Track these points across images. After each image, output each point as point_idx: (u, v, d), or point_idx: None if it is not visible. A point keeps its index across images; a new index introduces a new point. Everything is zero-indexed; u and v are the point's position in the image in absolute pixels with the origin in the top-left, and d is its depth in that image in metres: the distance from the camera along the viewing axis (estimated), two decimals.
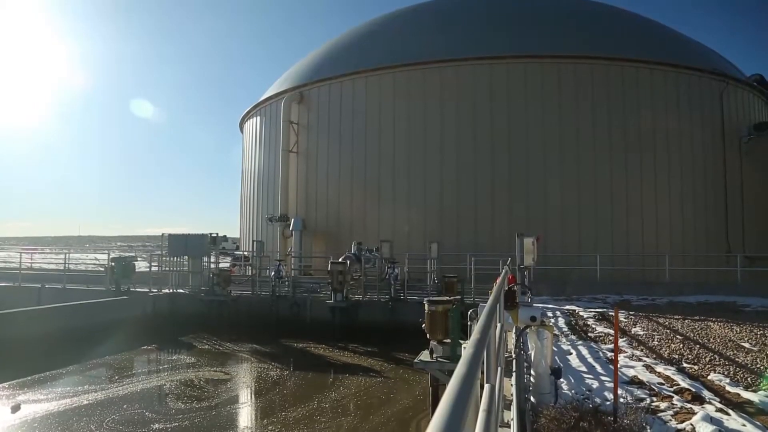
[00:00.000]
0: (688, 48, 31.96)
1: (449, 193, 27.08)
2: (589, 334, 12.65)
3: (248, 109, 38.38)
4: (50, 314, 17.69)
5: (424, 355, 10.26)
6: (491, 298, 4.39)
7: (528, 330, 8.01)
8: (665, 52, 28.57)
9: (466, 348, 2.12)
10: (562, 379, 8.08)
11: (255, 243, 28.25)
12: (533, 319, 7.43)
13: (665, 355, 10.04)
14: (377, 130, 28.78)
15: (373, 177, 28.69)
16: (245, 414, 11.89)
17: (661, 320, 13.86)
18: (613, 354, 10.43)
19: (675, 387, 7.86)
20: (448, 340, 9.96)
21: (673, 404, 7.08)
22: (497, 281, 11.55)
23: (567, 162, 26.07)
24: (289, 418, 10.81)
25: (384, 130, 28.62)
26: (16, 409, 11.42)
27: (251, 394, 13.34)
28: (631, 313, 14.98)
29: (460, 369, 1.69)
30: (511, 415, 5.65)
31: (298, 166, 31.25)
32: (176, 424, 10.59)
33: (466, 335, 9.01)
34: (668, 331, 12.42)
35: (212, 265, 24.00)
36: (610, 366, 9.65)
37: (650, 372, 8.99)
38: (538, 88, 26.67)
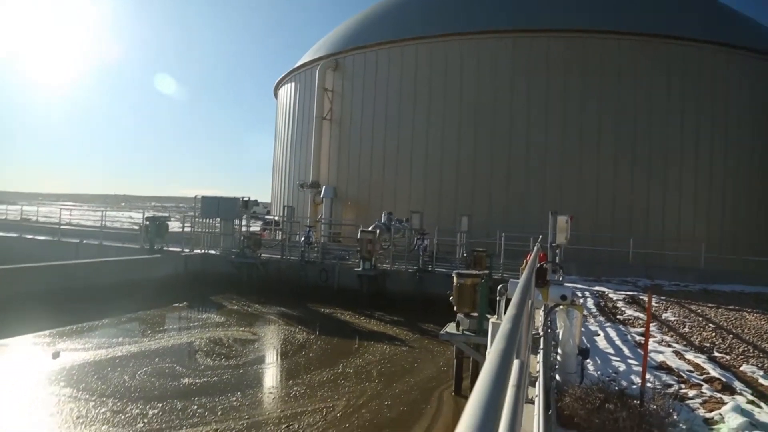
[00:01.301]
0: (736, 25, 30.63)
1: (482, 167, 26.78)
2: (618, 317, 12.51)
3: (283, 75, 38.34)
4: (88, 268, 18.23)
5: (450, 327, 10.29)
6: (525, 273, 4.34)
7: (557, 309, 7.94)
8: (715, 30, 27.44)
9: (503, 323, 2.09)
10: (588, 360, 8.02)
11: (286, 208, 28.48)
12: (564, 298, 7.36)
13: (696, 343, 9.87)
14: (412, 101, 28.50)
15: (406, 147, 28.52)
16: (271, 374, 12.14)
17: (693, 307, 13.62)
18: (641, 338, 10.32)
19: (705, 375, 7.74)
20: (475, 314, 9.96)
21: (702, 393, 6.97)
22: (528, 258, 11.46)
23: (604, 139, 25.47)
24: (314, 381, 11.01)
25: (419, 100, 28.33)
26: (56, 356, 11.88)
27: (277, 355, 13.60)
28: (662, 298, 14.75)
29: (498, 344, 1.66)
30: (536, 391, 5.64)
31: (332, 133, 31.22)
32: (205, 379, 10.88)
33: (493, 310, 8.97)
34: (700, 318, 12.20)
35: (243, 229, 24.33)
36: (638, 350, 9.55)
37: (679, 359, 8.87)
38: (579, 61, 25.96)
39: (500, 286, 7.98)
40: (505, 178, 26.29)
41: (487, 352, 7.80)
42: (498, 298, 7.92)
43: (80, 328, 14.44)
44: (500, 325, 6.07)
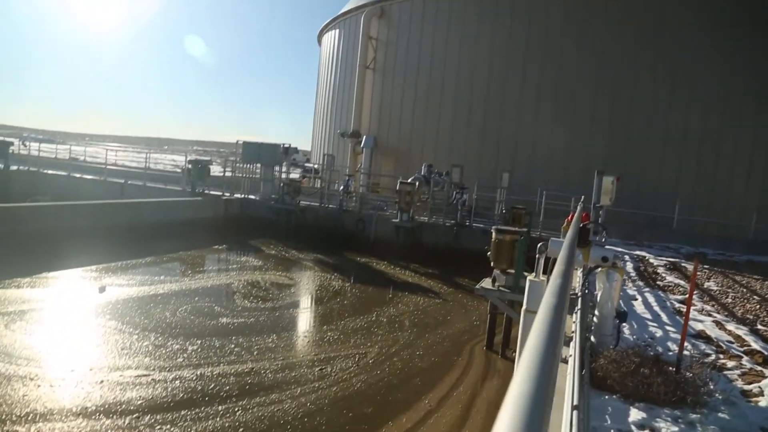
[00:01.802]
0: None
1: (526, 122, 26.16)
2: (658, 283, 12.27)
3: (327, 22, 37.75)
4: (132, 208, 18.73)
5: (486, 283, 10.26)
6: (570, 231, 4.24)
7: (597, 270, 7.81)
8: None
9: (553, 277, 2.03)
10: (624, 324, 7.92)
11: (326, 157, 28.52)
12: (605, 259, 7.22)
13: (738, 314, 9.63)
14: (458, 52, 27.79)
15: (449, 100, 28.00)
16: (306, 319, 12.41)
17: (737, 278, 13.24)
18: (681, 305, 10.12)
19: (745, 347, 7.56)
20: (512, 271, 9.89)
21: (741, 364, 6.82)
22: (571, 218, 11.26)
23: (658, 96, 24.37)
24: (348, 327, 11.20)
25: (465, 52, 27.59)
26: (102, 290, 12.37)
27: (313, 300, 13.86)
28: (705, 266, 14.38)
29: (550, 299, 1.61)
30: (570, 351, 5.60)
31: (374, 83, 30.82)
32: (242, 320, 11.19)
33: (530, 268, 8.89)
34: (745, 290, 11.87)
35: (283, 175, 24.52)
36: (677, 317, 9.38)
37: (720, 329, 8.68)
38: (631, 10, 24.66)
39: (540, 244, 7.87)
40: (549, 136, 25.64)
41: (522, 309, 7.78)
42: (537, 256, 7.82)
43: (125, 265, 14.95)
44: (539, 282, 6.03)
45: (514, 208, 17.84)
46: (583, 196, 13.97)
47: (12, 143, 29.84)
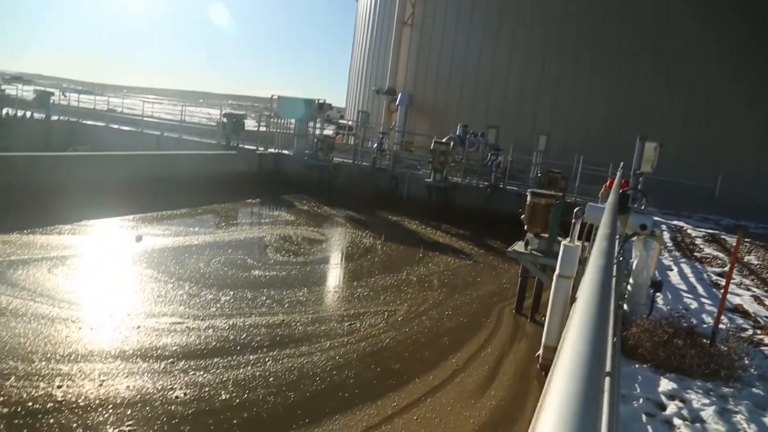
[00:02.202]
0: None
1: (566, 85, 25.46)
2: (695, 254, 12.00)
3: None
4: (168, 160, 18.97)
5: (518, 246, 10.16)
6: (612, 195, 4.12)
7: (634, 238, 7.65)
8: None
9: (598, 240, 1.96)
10: (659, 294, 7.78)
11: (360, 114, 28.31)
12: (643, 227, 7.05)
13: None
14: (498, 10, 26.98)
15: (488, 58, 27.36)
16: (337, 274, 12.52)
17: None
18: (718, 278, 9.89)
19: None
20: (546, 235, 9.75)
21: None
22: (609, 184, 11.00)
23: (702, 70, 23.43)
24: (378, 285, 11.28)
25: (506, 10, 26.78)
26: (139, 239, 12.65)
27: (344, 257, 13.96)
28: (746, 240, 13.97)
29: (598, 261, 1.55)
30: None
31: (411, 39, 30.23)
32: (274, 273, 11.35)
33: (564, 233, 8.76)
34: None
35: (317, 131, 24.47)
36: (713, 290, 9.19)
37: (758, 304, 8.47)
38: None
39: (577, 209, 7.71)
40: (588, 100, 24.93)
41: (555, 274, 7.69)
42: (573, 220, 7.67)
43: (160, 216, 15.23)
44: (573, 248, 5.93)
45: (550, 171, 17.52)
46: (622, 163, 13.61)
47: (53, 93, 30.34)
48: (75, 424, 5.56)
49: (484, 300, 11.15)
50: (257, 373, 7.02)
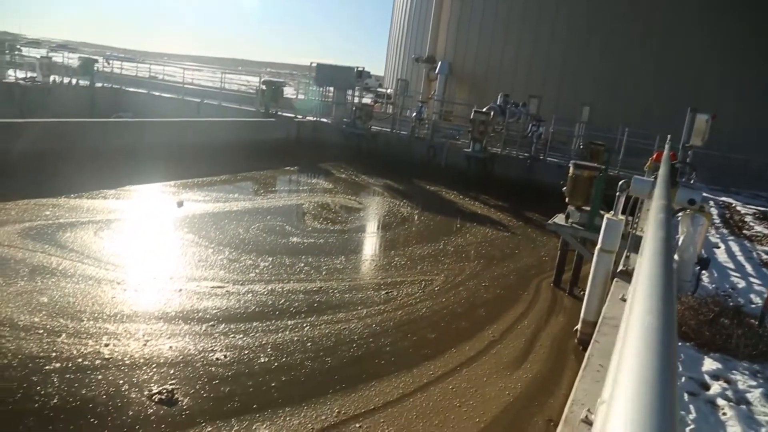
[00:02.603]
0: None
1: (612, 55, 24.60)
2: (744, 232, 11.60)
3: None
4: (208, 126, 19.17)
5: (559, 218, 9.99)
6: (663, 167, 3.97)
7: (681, 213, 7.41)
8: None
9: (654, 211, 1.87)
10: (705, 271, 7.56)
11: (399, 82, 27.99)
12: (692, 202, 6.81)
13: None
14: None
15: (530, 27, 26.60)
16: (374, 243, 12.55)
17: None
18: None
19: None
20: (587, 208, 9.55)
21: None
22: (656, 157, 10.64)
23: (754, 38, 22.27)
24: (415, 254, 11.28)
25: None
26: (180, 204, 12.89)
27: (381, 225, 13.96)
28: None
29: (657, 232, 1.47)
30: None
31: (452, 6, 29.56)
32: (312, 240, 11.45)
33: (607, 207, 8.56)
34: None
35: (355, 99, 24.33)
36: (763, 269, 8.89)
37: None
38: None
39: (622, 181, 7.50)
40: (636, 71, 24.07)
41: (597, 248, 7.54)
42: (618, 193, 7.47)
43: (200, 182, 15.46)
44: (616, 221, 5.76)
45: (593, 143, 17.06)
46: (669, 135, 13.14)
47: (97, 61, 30.84)
48: (121, 381, 5.75)
49: (521, 272, 11.04)
50: (295, 338, 7.14)
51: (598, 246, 7.50)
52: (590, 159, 15.64)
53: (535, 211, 15.87)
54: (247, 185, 16.25)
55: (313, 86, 24.89)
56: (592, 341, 5.14)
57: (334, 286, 9.05)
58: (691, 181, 9.84)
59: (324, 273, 9.59)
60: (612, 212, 7.52)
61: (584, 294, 8.01)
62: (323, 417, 5.55)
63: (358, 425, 5.47)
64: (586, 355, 4.84)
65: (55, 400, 5.33)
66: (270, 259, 9.93)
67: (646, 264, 1.11)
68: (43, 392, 5.44)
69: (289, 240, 11.26)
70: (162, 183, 14.66)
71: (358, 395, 6.00)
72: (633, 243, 7.49)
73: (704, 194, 15.29)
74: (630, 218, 8.42)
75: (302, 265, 9.82)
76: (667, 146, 10.32)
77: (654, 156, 11.14)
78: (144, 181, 14.44)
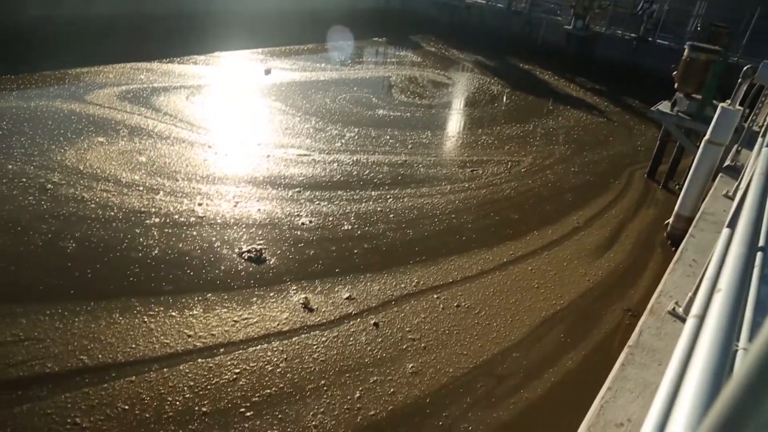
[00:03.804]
0: None
1: None
2: None
3: None
4: None
5: (664, 106, 9.24)
6: None
7: None
8: None
9: None
10: None
11: None
12: None
13: None
14: None
15: None
16: (461, 119, 12.21)
17: None
18: None
19: None
20: (699, 96, 8.73)
21: None
22: None
23: None
24: (503, 134, 10.93)
25: None
26: (268, 72, 12.91)
27: (469, 102, 13.50)
28: None
29: None
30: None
31: None
32: (398, 113, 11.28)
33: (722, 96, 7.78)
34: None
35: None
36: None
37: None
38: None
39: (748, 66, 6.72)
40: None
41: (703, 139, 6.97)
42: (740, 80, 6.73)
43: (288, 50, 15.31)
44: (733, 112, 5.18)
45: (713, 25, 15.31)
46: None
47: None
48: (214, 238, 6.11)
49: (614, 160, 10.51)
50: (378, 209, 7.24)
51: (706, 137, 6.92)
52: (709, 42, 14.15)
53: (636, 98, 14.81)
54: (334, 55, 15.97)
55: None
56: (687, 236, 4.88)
57: (419, 160, 8.99)
58: None
59: (409, 147, 9.51)
60: (728, 101, 6.83)
61: (680, 188, 7.55)
62: (402, 285, 5.72)
63: (435, 296, 5.61)
64: (680, 248, 4.62)
65: (156, 251, 5.76)
66: (356, 130, 9.91)
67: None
68: (145, 243, 5.87)
69: (375, 112, 11.14)
70: (250, 50, 14.66)
71: (437, 268, 6.11)
72: (747, 138, 6.84)
73: None
74: (748, 110, 7.65)
75: (388, 137, 9.76)
76: None
77: None
78: (232, 48, 14.47)
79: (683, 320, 3.51)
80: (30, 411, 3.78)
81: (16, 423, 3.68)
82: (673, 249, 6.93)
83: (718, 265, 2.12)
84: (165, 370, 4.25)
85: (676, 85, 9.15)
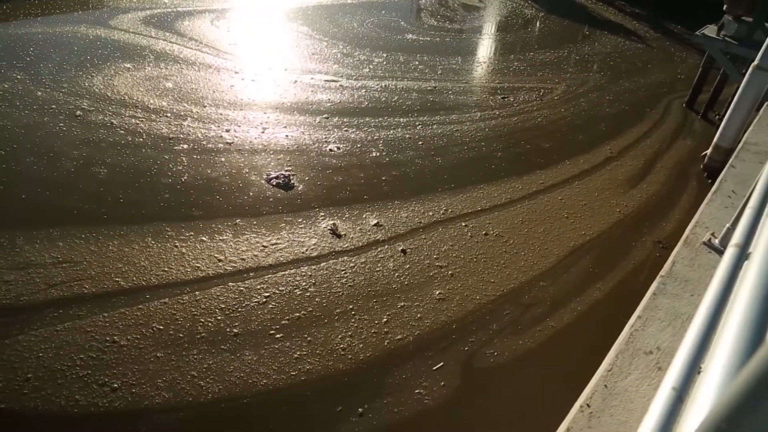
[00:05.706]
0: None
1: None
2: None
3: None
4: None
5: (709, 30, 8.74)
6: None
7: None
8: None
9: None
10: None
11: None
12: None
13: None
14: None
15: None
16: (492, 45, 11.79)
17: None
18: None
19: None
20: (749, 19, 8.22)
21: None
22: None
23: None
24: (536, 60, 10.55)
25: None
26: None
27: (501, 27, 12.99)
28: None
29: None
30: None
31: None
32: (427, 38, 10.92)
33: None
34: None
35: None
36: None
37: None
38: None
39: None
40: None
41: (752, 65, 6.61)
42: None
43: None
44: None
45: None
46: None
47: None
48: (242, 164, 6.11)
49: (651, 89, 10.11)
50: (407, 136, 7.14)
51: (755, 62, 6.55)
52: None
53: (677, 23, 14.08)
54: None
55: None
56: (727, 166, 4.71)
57: (448, 86, 8.77)
58: None
59: (439, 72, 9.25)
60: None
61: (721, 118, 7.25)
62: (430, 213, 5.69)
63: (464, 224, 5.59)
64: (719, 179, 4.48)
65: (185, 177, 5.79)
66: (384, 55, 9.65)
67: None
68: (174, 169, 5.90)
69: (404, 37, 10.81)
70: None
71: (465, 196, 6.05)
72: None
73: None
74: None
75: (417, 63, 9.50)
76: None
77: None
78: None
79: (719, 252, 3.43)
80: (71, 329, 3.93)
81: (60, 340, 3.84)
82: (710, 181, 6.75)
83: (764, 194, 2.03)
84: (197, 293, 4.36)
85: (725, 7, 8.62)
